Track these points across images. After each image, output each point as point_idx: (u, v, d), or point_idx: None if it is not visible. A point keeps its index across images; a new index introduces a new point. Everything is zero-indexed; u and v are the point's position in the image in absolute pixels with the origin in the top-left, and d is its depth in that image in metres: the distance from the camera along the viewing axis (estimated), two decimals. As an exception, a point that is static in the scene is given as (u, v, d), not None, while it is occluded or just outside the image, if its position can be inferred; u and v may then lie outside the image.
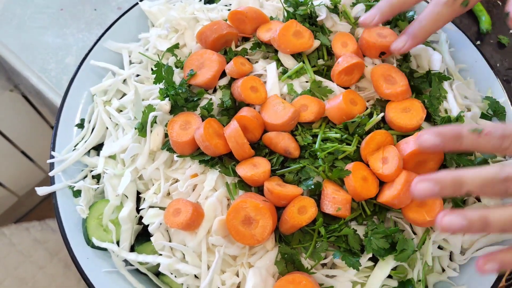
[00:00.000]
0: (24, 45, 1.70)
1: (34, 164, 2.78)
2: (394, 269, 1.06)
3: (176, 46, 1.28)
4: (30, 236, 2.28)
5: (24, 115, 2.43)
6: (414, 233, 1.10)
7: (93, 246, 1.11)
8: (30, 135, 2.59)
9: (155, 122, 1.15)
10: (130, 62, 1.36)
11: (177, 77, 1.23)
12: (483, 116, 1.27)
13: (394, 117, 1.12)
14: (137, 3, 1.44)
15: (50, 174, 1.17)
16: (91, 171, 1.21)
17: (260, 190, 1.08)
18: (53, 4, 1.80)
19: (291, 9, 1.30)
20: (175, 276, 1.07)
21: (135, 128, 1.15)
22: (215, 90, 1.22)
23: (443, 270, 1.12)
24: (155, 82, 1.18)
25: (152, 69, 1.28)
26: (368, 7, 1.29)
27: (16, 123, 2.44)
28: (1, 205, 2.87)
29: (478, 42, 1.80)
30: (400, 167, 1.04)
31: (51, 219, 2.43)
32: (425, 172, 1.09)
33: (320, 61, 1.24)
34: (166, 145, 1.14)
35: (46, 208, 3.12)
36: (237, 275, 1.04)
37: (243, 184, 1.09)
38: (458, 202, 1.08)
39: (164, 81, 1.17)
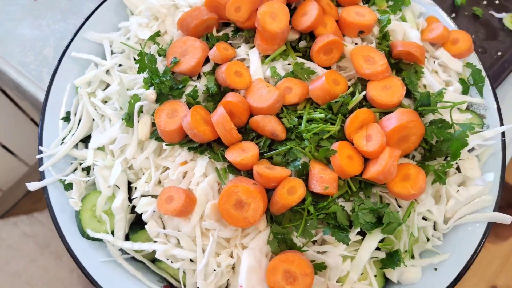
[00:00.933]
0: (0, 39, 1.67)
1: (16, 157, 2.74)
2: (381, 241, 1.11)
3: (158, 34, 1.28)
4: (19, 230, 2.28)
5: (4, 110, 2.39)
6: (399, 206, 1.14)
7: (88, 238, 1.13)
8: (10, 129, 2.55)
9: (142, 112, 1.16)
10: (112, 52, 1.36)
11: (161, 65, 1.24)
12: (463, 83, 1.31)
13: (375, 95, 1.15)
14: (114, -8, 1.42)
15: (41, 169, 1.17)
16: (81, 163, 1.22)
17: (249, 173, 1.11)
18: (26, -5, 1.76)
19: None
20: (171, 262, 1.09)
21: (122, 119, 1.15)
22: (199, 77, 1.23)
23: (428, 239, 1.17)
24: (138, 72, 1.19)
25: (134, 59, 1.28)
26: (383, 13, 1.32)
27: (-5, 117, 2.41)
28: (-15, 201, 2.84)
29: (454, 15, 1.84)
30: (384, 144, 1.08)
31: (38, 212, 2.42)
32: (408, 146, 1.13)
33: (302, 43, 1.26)
34: (155, 134, 1.15)
35: (30, 201, 3.10)
36: (232, 257, 1.08)
37: (233, 169, 1.11)
38: (440, 174, 1.13)
39: (147, 70, 1.18)
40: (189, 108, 1.11)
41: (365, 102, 1.19)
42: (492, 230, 1.21)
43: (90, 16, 1.38)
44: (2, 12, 1.72)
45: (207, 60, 1.22)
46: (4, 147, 2.63)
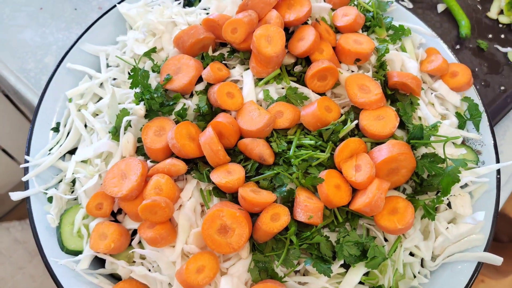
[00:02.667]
0: (2, 44, 1.68)
1: (15, 161, 2.74)
2: (366, 274, 1.08)
3: (153, 50, 1.28)
4: (10, 236, 2.27)
5: (5, 113, 2.40)
6: (386, 240, 1.11)
7: (67, 252, 1.11)
8: (11, 133, 2.56)
9: (130, 126, 1.15)
10: (108, 65, 1.36)
11: (154, 81, 1.23)
12: (459, 117, 1.29)
13: (368, 124, 1.13)
14: (115, 5, 1.43)
15: (23, 179, 1.16)
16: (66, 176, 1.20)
17: (234, 197, 1.09)
18: (32, 3, 1.77)
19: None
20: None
21: (109, 132, 1.14)
22: (191, 95, 1.22)
23: (415, 276, 1.14)
24: (131, 87, 1.18)
25: (129, 73, 1.27)
26: (382, 42, 1.31)
27: (-4, 121, 2.41)
28: (-19, 203, 2.84)
29: (458, 47, 1.82)
30: (373, 175, 1.05)
31: (32, 218, 2.41)
32: (398, 179, 1.11)
33: (298, 68, 1.25)
34: (140, 151, 1.14)
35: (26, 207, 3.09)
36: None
37: (218, 191, 1.09)
38: (429, 210, 1.10)
39: (140, 85, 1.17)
40: (178, 126, 1.10)
41: (357, 131, 1.17)
42: (493, 266, 1.17)
43: (89, 28, 1.38)
44: (7, 18, 1.74)
45: (200, 79, 1.21)
46: (4, 150, 2.64)
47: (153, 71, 1.25)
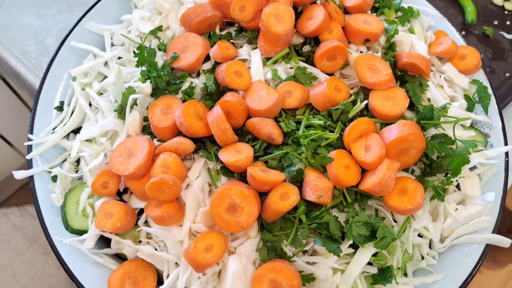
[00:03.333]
0: (3, 26, 1.65)
1: (13, 149, 2.72)
2: (374, 255, 1.07)
3: (159, 28, 1.25)
4: (8, 222, 2.25)
5: (3, 99, 2.37)
6: (395, 221, 1.10)
7: (72, 231, 1.10)
8: (9, 119, 2.53)
9: (136, 105, 1.13)
10: (112, 44, 1.33)
11: (160, 60, 1.21)
12: (468, 100, 1.28)
13: (377, 105, 1.12)
14: (119, -16, 1.40)
15: (27, 157, 1.14)
16: (70, 155, 1.18)
17: (242, 176, 1.07)
18: (33, -16, 1.75)
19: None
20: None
21: (115, 110, 1.12)
22: (198, 74, 1.20)
23: (423, 258, 1.13)
24: (137, 65, 1.16)
25: (134, 52, 1.25)
26: (391, 23, 1.30)
27: (-5, 107, 2.39)
28: (-21, 190, 2.81)
29: (463, 33, 1.81)
30: (383, 155, 1.04)
31: (30, 205, 2.39)
32: (408, 159, 1.09)
33: (306, 48, 1.23)
34: (147, 130, 1.12)
35: (25, 195, 3.07)
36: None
37: (226, 171, 1.08)
38: (439, 191, 1.09)
39: (146, 63, 1.15)
40: (185, 105, 1.08)
41: (367, 112, 1.16)
42: (490, 256, 1.17)
43: (93, 7, 1.36)
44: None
45: (207, 58, 1.19)
46: (2, 137, 2.61)
47: (159, 49, 1.23)
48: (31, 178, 1.14)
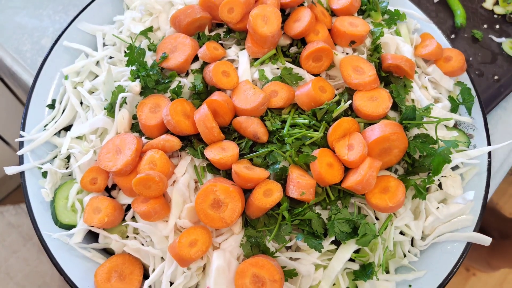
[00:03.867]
0: (-1, 26, 1.68)
1: (9, 147, 2.74)
2: (356, 252, 1.09)
3: (150, 29, 1.28)
4: (3, 220, 2.27)
5: (0, 98, 2.39)
6: (377, 219, 1.13)
7: (61, 226, 1.12)
8: (6, 118, 2.55)
9: (125, 103, 1.16)
10: (104, 44, 1.36)
11: (150, 59, 1.24)
12: (452, 101, 1.30)
13: (361, 105, 1.14)
14: (112, -15, 1.43)
15: (18, 153, 1.16)
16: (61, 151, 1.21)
17: (228, 173, 1.10)
18: (29, -16, 1.77)
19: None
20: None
21: (105, 108, 1.15)
22: (187, 74, 1.23)
23: (405, 255, 1.15)
24: (127, 65, 1.18)
25: (125, 52, 1.28)
26: (377, 26, 1.32)
27: (-8, 106, 2.41)
28: (-25, 189, 2.83)
29: (453, 36, 1.83)
30: (365, 154, 1.06)
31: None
32: (390, 159, 1.12)
33: (293, 49, 1.25)
34: (135, 127, 1.15)
35: (21, 195, 3.09)
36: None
37: (212, 168, 1.10)
38: (420, 189, 1.11)
39: (136, 63, 1.18)
40: (173, 103, 1.10)
41: (351, 112, 1.18)
42: (484, 260, 1.19)
43: (86, 7, 1.38)
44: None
45: (196, 58, 1.22)
46: (-1, 136, 2.63)
47: (149, 49, 1.25)
48: (22, 174, 1.16)
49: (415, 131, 1.16)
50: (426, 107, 1.20)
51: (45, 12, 1.73)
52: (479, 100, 1.32)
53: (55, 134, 1.22)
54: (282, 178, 1.09)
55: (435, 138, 1.13)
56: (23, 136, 1.19)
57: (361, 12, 1.36)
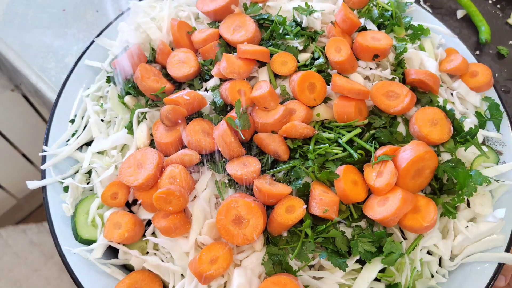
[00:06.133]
0: (25, 44, 1.72)
1: (33, 166, 2.78)
2: (382, 272, 1.05)
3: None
4: (26, 238, 2.28)
5: (25, 116, 2.44)
6: (404, 238, 1.08)
7: (81, 241, 1.11)
8: (31, 137, 2.59)
9: (146, 118, 1.16)
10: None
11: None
12: (479, 116, 1.26)
13: (427, 131, 1.14)
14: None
15: (42, 167, 1.17)
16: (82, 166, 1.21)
17: (249, 189, 1.08)
18: (55, 5, 1.82)
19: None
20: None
21: (125, 127, 1.16)
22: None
23: (432, 276, 1.11)
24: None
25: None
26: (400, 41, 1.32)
27: (16, 124, 2.45)
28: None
29: (477, 52, 1.80)
30: (392, 183, 1.02)
31: (48, 221, 2.41)
32: (422, 181, 1.08)
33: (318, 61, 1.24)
34: (154, 145, 1.15)
35: (44, 213, 3.11)
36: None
37: (233, 183, 1.09)
38: (449, 208, 1.07)
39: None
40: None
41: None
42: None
43: (108, 26, 1.41)
44: (31, 19, 1.78)
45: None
46: (23, 155, 2.67)
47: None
48: (44, 188, 1.16)
49: (446, 156, 1.14)
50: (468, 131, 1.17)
51: (70, 31, 1.76)
52: (507, 115, 1.28)
53: (77, 149, 1.22)
54: (304, 194, 1.06)
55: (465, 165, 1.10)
56: (46, 151, 1.20)
57: (383, 26, 1.35)
